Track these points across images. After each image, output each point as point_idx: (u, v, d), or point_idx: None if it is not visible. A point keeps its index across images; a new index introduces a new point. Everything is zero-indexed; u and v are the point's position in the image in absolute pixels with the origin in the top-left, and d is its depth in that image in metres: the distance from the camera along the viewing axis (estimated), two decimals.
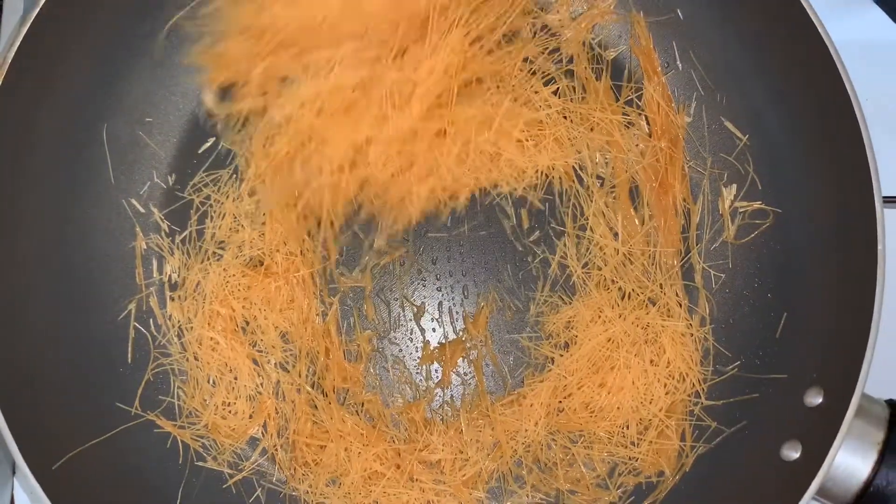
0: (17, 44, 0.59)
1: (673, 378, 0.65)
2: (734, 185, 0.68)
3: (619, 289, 0.67)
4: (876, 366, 0.55)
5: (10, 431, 0.55)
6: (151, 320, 0.67)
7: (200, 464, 0.65)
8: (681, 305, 0.67)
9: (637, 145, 0.69)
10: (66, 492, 0.56)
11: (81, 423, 0.62)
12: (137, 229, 0.68)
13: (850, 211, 0.60)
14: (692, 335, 0.66)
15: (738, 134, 0.68)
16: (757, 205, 0.67)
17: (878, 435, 0.56)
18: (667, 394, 0.64)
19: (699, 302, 0.68)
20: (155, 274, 0.67)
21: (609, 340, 0.64)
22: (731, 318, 0.68)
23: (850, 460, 0.56)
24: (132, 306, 0.66)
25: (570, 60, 0.69)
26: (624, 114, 0.69)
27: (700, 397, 0.66)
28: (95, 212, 0.66)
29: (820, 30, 0.60)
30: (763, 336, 0.65)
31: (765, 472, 0.60)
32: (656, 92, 0.69)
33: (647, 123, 0.69)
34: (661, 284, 0.67)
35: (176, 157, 0.69)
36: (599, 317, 0.65)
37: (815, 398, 0.59)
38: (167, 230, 0.68)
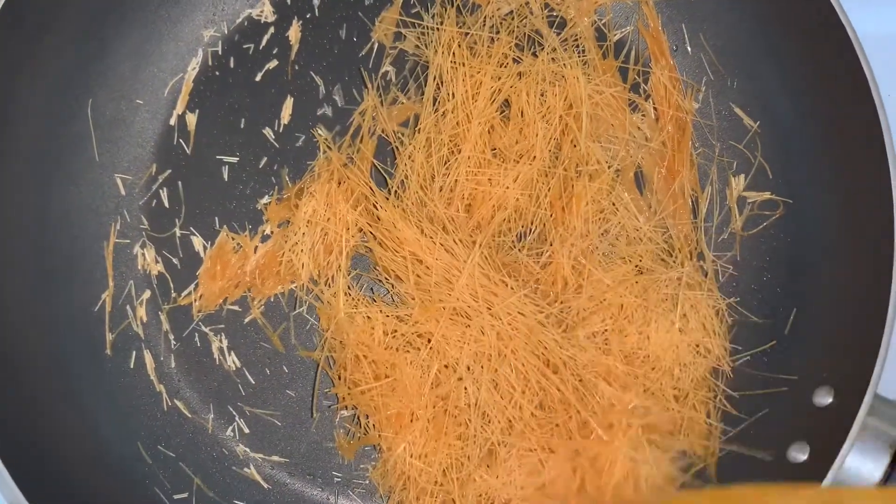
0: None
1: (698, 349, 0.62)
2: (742, 175, 0.66)
3: (637, 266, 0.64)
4: (889, 365, 0.54)
5: None
6: (128, 307, 0.65)
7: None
8: (706, 275, 0.64)
9: (639, 128, 0.66)
10: (37, 477, 0.54)
11: (58, 408, 0.60)
12: (124, 211, 0.66)
13: (865, 204, 0.59)
14: (715, 307, 0.63)
15: (749, 121, 0.66)
16: (767, 195, 0.65)
17: (891, 438, 0.54)
18: (693, 363, 0.62)
19: None
20: (139, 261, 0.65)
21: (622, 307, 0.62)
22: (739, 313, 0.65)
23: (861, 464, 0.54)
24: (106, 295, 0.64)
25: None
26: (630, 101, 0.67)
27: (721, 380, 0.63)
28: (78, 189, 0.64)
29: (842, 17, 0.58)
30: (771, 332, 0.63)
31: (771, 474, 0.58)
32: (664, 75, 0.67)
33: (654, 108, 0.67)
34: (681, 262, 0.64)
35: (164, 137, 0.67)
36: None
37: (824, 398, 0.57)
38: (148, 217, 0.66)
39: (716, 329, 0.63)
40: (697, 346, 0.62)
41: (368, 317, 0.62)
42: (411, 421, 0.60)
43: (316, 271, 0.64)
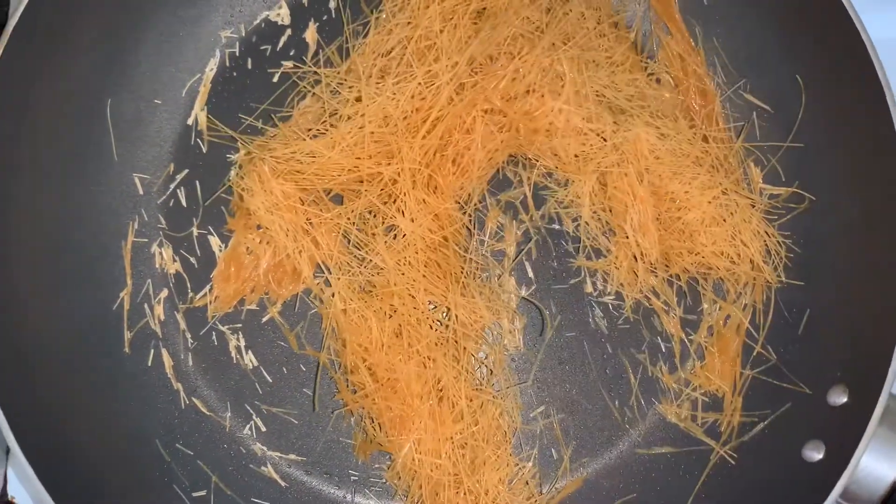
0: (20, 13, 0.57)
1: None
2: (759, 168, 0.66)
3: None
4: None
5: (4, 413, 0.53)
6: (146, 305, 0.65)
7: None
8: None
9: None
10: (58, 474, 0.55)
11: (77, 405, 0.60)
12: (142, 210, 0.66)
13: (879, 205, 0.59)
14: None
15: (762, 123, 0.66)
16: (782, 190, 0.65)
17: None
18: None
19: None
20: (157, 260, 0.66)
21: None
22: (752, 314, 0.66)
23: (876, 463, 0.54)
24: (124, 294, 0.65)
25: None
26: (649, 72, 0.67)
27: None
28: (97, 189, 0.64)
29: (855, 21, 0.58)
30: (785, 332, 0.63)
31: (786, 474, 0.59)
32: (679, 46, 0.67)
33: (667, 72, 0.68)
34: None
35: (181, 136, 0.67)
36: None
37: (839, 397, 0.58)
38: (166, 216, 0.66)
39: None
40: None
41: (363, 316, 0.62)
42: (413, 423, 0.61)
43: (319, 264, 0.64)
